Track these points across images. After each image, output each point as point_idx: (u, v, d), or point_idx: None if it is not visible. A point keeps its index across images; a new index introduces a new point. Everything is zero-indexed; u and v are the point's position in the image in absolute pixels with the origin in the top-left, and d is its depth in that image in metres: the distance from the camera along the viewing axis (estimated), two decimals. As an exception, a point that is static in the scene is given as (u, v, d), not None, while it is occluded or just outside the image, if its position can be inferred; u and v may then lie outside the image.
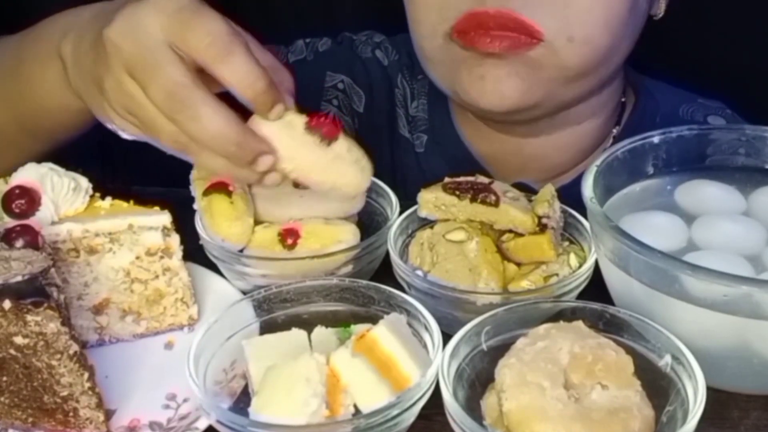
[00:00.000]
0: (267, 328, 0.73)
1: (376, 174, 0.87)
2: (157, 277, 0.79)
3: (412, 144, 1.07)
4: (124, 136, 0.77)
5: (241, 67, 0.69)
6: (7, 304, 0.65)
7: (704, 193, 0.81)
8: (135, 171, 1.05)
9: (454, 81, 0.91)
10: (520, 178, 0.92)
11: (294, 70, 0.77)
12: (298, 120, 0.73)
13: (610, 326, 0.70)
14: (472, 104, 0.91)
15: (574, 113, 0.96)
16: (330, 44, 1.10)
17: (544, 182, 0.98)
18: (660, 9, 0.96)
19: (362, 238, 0.82)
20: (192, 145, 0.71)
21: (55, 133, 0.88)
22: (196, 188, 0.83)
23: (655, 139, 0.82)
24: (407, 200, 0.84)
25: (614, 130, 1.03)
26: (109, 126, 0.77)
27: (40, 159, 0.87)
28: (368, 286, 0.74)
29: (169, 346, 0.80)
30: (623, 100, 1.04)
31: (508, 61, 0.86)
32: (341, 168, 0.75)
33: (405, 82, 1.08)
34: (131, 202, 0.79)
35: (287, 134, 0.72)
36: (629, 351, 0.67)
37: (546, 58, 0.86)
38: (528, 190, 0.83)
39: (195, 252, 0.81)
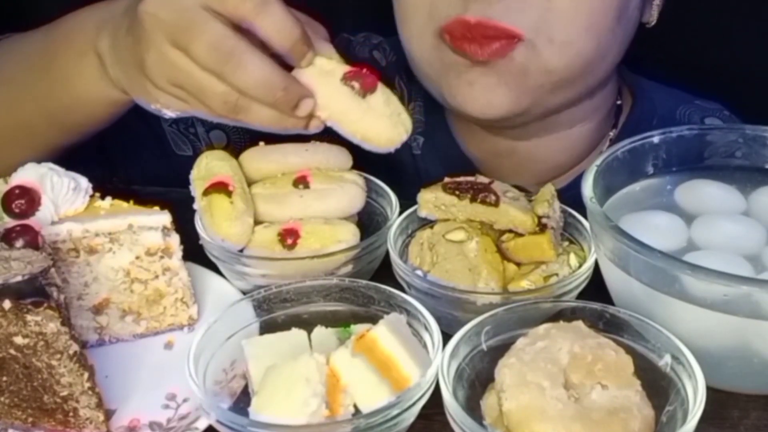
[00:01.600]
0: (267, 328, 0.73)
1: (373, 174, 0.88)
2: (157, 277, 0.79)
3: (409, 146, 1.07)
4: (169, 114, 0.79)
5: (277, 16, 0.73)
6: (7, 304, 0.65)
7: (704, 193, 0.81)
8: (135, 171, 1.05)
9: (442, 84, 0.92)
10: (515, 181, 0.92)
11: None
12: (339, 70, 0.76)
13: (610, 326, 0.70)
14: (459, 109, 0.91)
15: (565, 117, 0.96)
16: None
17: (540, 185, 0.98)
18: (652, 17, 0.96)
19: (362, 238, 0.82)
20: (241, 100, 0.74)
21: (85, 126, 0.90)
22: (196, 188, 0.83)
23: (655, 139, 0.82)
24: (404, 201, 0.85)
25: (611, 133, 1.03)
26: (153, 107, 0.79)
27: (61, 155, 0.89)
28: (368, 286, 0.74)
29: (169, 346, 0.80)
30: (619, 102, 1.04)
31: (496, 69, 0.87)
32: (373, 120, 0.77)
33: (402, 83, 1.08)
34: (131, 202, 0.79)
35: (325, 83, 0.76)
36: (629, 351, 0.67)
37: (530, 60, 0.86)
38: (522, 191, 0.83)
39: (195, 252, 0.81)
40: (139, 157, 1.05)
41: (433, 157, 1.06)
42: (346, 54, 1.10)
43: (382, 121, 0.77)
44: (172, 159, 1.05)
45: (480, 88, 0.88)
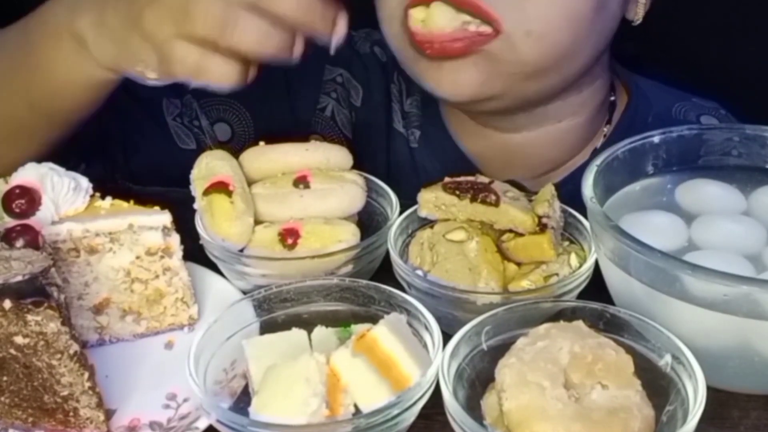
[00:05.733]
0: (267, 327, 0.73)
1: (373, 169, 0.88)
2: (157, 276, 0.79)
3: (407, 139, 1.08)
4: (151, 78, 0.79)
5: None
6: (7, 303, 0.65)
7: (704, 193, 0.81)
8: (135, 171, 1.05)
9: (414, 66, 0.92)
10: (509, 174, 0.93)
11: None
12: None
13: (610, 326, 0.70)
14: (431, 92, 0.91)
15: (553, 110, 0.97)
16: None
17: (533, 179, 0.98)
18: (637, 14, 0.95)
19: (362, 238, 0.82)
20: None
21: (69, 113, 0.89)
22: (196, 188, 0.83)
23: (656, 139, 0.82)
24: (400, 193, 0.85)
25: (605, 129, 1.03)
26: (149, 78, 0.79)
27: (54, 149, 0.89)
28: (368, 286, 0.74)
29: (169, 345, 0.80)
30: (612, 98, 1.04)
31: (465, 57, 0.87)
32: None
33: (401, 78, 1.08)
34: (131, 201, 0.79)
35: None
36: (629, 351, 0.67)
37: (504, 52, 0.86)
38: (518, 187, 0.83)
39: (195, 252, 0.81)
40: (141, 152, 1.05)
41: (429, 150, 1.07)
42: (348, 47, 1.11)
43: None
44: (175, 153, 1.05)
45: (449, 69, 0.88)
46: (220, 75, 0.76)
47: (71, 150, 0.91)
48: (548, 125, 0.99)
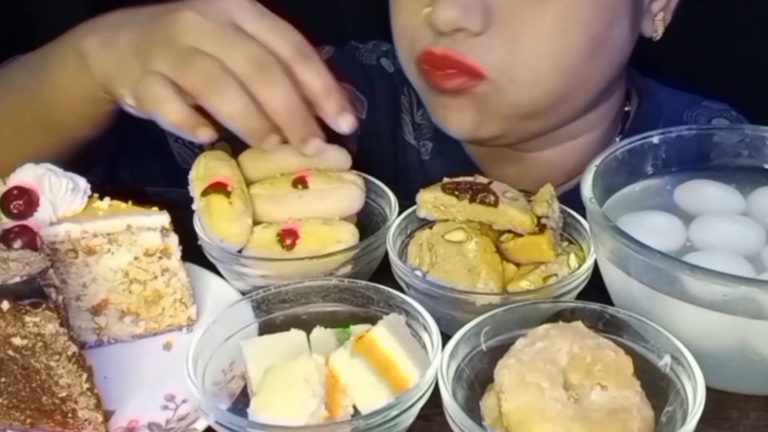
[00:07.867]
0: (266, 328, 0.73)
1: (379, 178, 0.88)
2: (155, 277, 0.79)
3: (418, 151, 1.08)
4: (133, 112, 0.82)
5: (233, 98, 0.76)
6: (5, 305, 0.65)
7: (704, 193, 0.81)
8: (134, 171, 1.05)
9: (428, 104, 0.96)
10: (522, 186, 0.93)
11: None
12: None
13: (610, 326, 0.69)
14: (441, 128, 0.95)
15: (569, 130, 0.97)
16: (332, 52, 1.11)
17: None
18: (657, 30, 0.96)
19: (361, 239, 0.81)
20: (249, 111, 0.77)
21: (69, 129, 0.90)
22: (195, 189, 0.83)
23: (655, 139, 0.82)
24: (411, 201, 0.84)
25: (617, 139, 1.03)
26: (127, 103, 0.81)
27: (52, 160, 0.89)
28: (367, 287, 0.74)
29: (167, 346, 0.80)
30: (627, 108, 1.04)
31: (463, 97, 0.90)
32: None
33: (411, 90, 1.08)
34: (129, 202, 0.79)
35: None
36: (629, 351, 0.67)
37: (492, 94, 0.89)
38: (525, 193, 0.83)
39: (194, 252, 0.81)
40: (147, 173, 1.05)
41: (441, 162, 1.07)
42: (352, 60, 1.12)
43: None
44: (179, 174, 1.04)
45: (454, 110, 0.91)
46: (171, 110, 0.77)
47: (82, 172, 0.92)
48: (564, 143, 0.99)
